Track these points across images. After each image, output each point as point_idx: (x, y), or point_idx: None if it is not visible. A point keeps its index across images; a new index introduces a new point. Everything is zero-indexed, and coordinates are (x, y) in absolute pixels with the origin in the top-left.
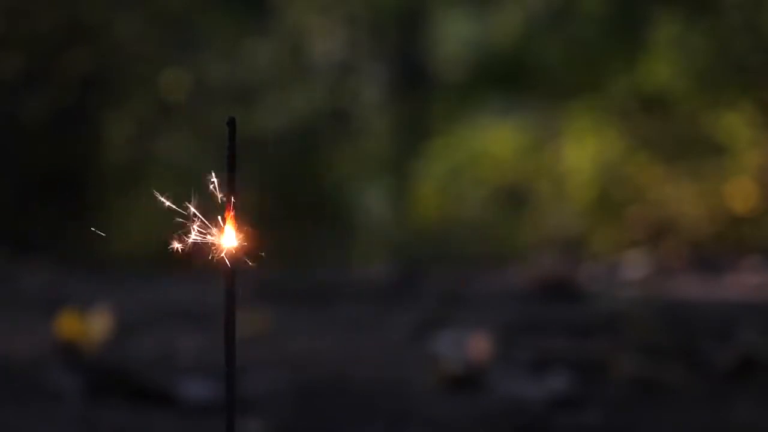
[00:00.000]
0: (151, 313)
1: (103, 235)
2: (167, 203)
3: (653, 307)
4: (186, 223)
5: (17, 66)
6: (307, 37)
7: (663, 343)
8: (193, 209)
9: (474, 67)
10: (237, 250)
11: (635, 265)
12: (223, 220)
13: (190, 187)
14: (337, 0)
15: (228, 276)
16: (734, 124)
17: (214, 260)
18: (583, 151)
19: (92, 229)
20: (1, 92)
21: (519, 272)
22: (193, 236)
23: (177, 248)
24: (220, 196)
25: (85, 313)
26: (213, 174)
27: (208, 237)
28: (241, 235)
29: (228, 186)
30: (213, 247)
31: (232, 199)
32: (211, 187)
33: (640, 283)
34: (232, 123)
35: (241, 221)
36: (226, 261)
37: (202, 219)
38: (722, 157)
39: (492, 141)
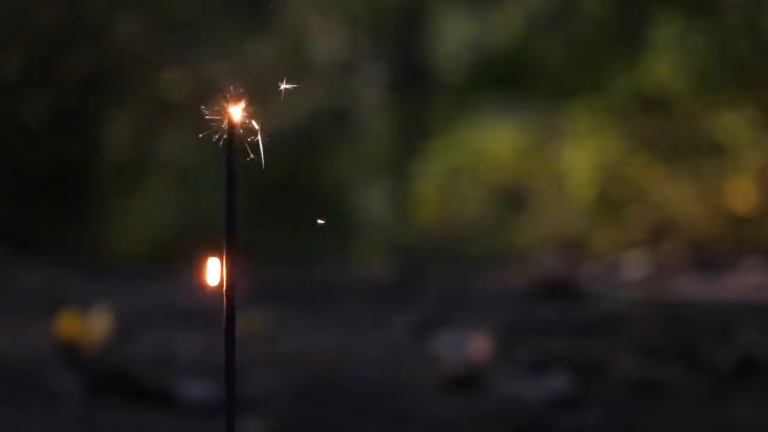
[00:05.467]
0: (151, 313)
1: None
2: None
3: (653, 307)
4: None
5: (17, 66)
6: (308, 37)
7: (663, 343)
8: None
9: (474, 67)
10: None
11: (635, 265)
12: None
13: (190, 186)
14: (337, 0)
15: (227, 276)
16: (734, 124)
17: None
18: (583, 151)
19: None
20: (1, 92)
21: (519, 272)
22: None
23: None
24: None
25: (85, 313)
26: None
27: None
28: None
29: (228, 186)
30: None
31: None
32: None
33: (640, 283)
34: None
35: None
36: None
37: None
38: (722, 157)
39: (492, 141)
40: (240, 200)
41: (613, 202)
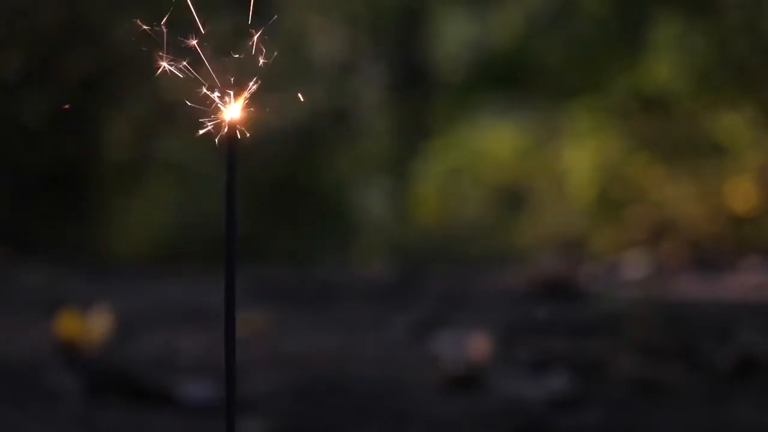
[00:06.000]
0: (151, 313)
1: None
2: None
3: (653, 307)
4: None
5: (17, 66)
6: (308, 37)
7: (663, 343)
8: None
9: (474, 67)
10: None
11: (635, 265)
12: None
13: (190, 186)
14: (337, 0)
15: (227, 277)
16: (734, 124)
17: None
18: (583, 151)
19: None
20: (1, 92)
21: (519, 272)
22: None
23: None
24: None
25: (85, 313)
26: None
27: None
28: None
29: (228, 186)
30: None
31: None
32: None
33: (640, 283)
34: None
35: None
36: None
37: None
38: (722, 157)
39: (492, 141)
40: (240, 200)
41: (613, 202)
